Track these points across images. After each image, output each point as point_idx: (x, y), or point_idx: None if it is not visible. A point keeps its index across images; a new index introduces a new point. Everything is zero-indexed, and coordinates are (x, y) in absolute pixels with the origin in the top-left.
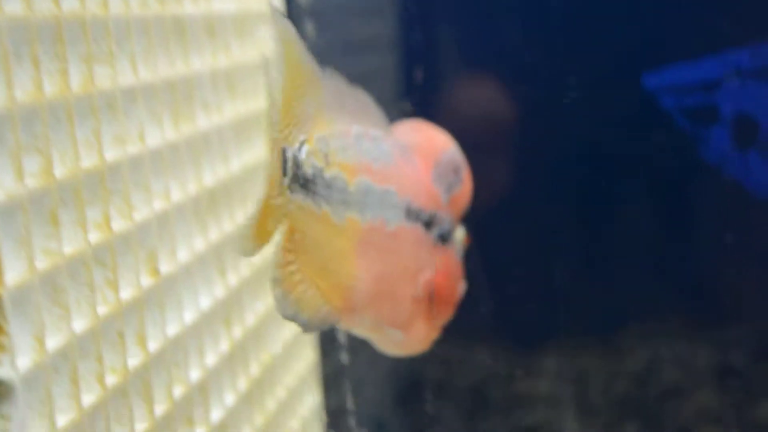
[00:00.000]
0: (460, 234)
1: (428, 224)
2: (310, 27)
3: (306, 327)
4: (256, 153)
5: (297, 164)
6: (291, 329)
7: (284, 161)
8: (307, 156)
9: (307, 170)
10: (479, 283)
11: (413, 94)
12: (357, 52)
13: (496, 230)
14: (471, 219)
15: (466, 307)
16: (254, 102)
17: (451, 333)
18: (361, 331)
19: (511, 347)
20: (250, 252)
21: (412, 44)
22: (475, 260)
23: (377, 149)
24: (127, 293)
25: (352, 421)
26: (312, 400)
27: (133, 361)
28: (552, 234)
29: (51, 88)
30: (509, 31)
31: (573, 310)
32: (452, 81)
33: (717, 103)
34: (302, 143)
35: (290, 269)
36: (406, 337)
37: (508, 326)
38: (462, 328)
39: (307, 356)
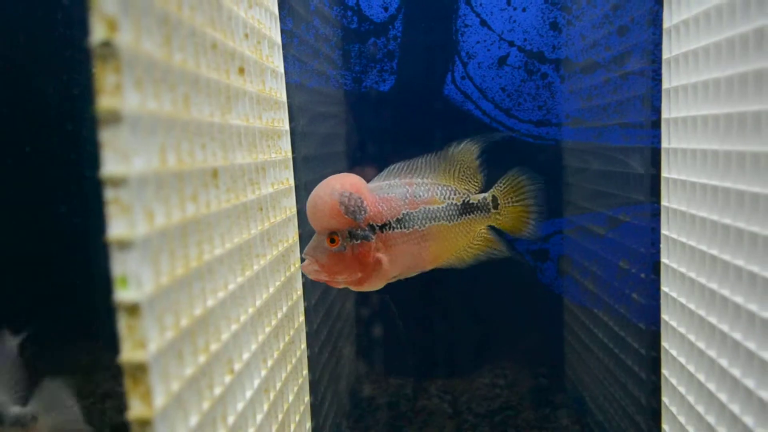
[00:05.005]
0: None
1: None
2: None
3: None
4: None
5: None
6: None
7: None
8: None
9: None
10: (397, 338)
11: None
12: None
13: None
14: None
15: (389, 352)
16: (284, 244)
17: (378, 368)
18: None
19: (411, 377)
20: None
21: None
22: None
23: None
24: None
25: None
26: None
27: None
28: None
29: None
30: None
31: (447, 357)
32: None
33: (548, 249)
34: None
35: None
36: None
37: (411, 364)
38: (385, 366)
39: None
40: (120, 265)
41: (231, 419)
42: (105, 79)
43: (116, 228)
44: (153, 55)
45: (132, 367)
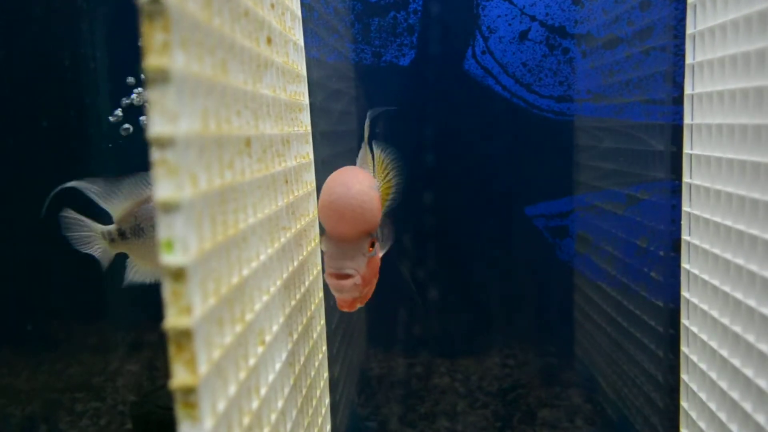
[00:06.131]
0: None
1: None
2: None
3: None
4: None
5: None
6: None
7: None
8: None
9: None
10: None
11: None
12: None
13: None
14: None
15: (402, 331)
16: (306, 218)
17: (388, 348)
18: None
19: (424, 355)
20: None
21: None
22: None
23: None
24: None
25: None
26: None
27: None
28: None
29: None
30: None
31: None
32: None
33: (567, 225)
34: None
35: None
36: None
37: (421, 343)
38: (398, 344)
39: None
40: (166, 229)
41: (263, 390)
42: (153, 37)
43: (163, 190)
44: (196, 17)
45: (177, 333)
